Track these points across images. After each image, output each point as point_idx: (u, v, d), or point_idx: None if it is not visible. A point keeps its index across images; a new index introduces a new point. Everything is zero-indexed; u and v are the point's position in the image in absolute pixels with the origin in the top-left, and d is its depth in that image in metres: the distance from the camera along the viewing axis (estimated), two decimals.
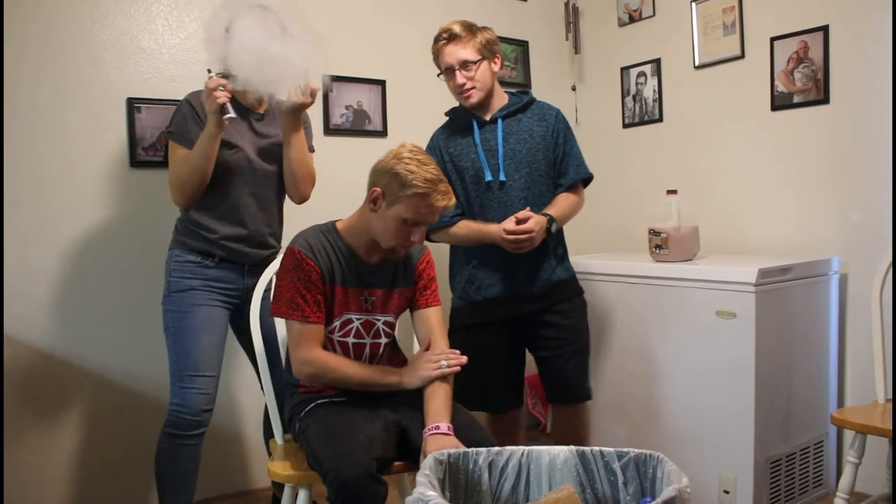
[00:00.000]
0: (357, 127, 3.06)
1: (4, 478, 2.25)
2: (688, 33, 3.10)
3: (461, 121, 2.33)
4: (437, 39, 2.26)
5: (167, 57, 2.64)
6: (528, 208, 2.16)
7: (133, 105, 2.55)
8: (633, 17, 3.38)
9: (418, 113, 3.21)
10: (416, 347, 2.14)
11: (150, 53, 2.60)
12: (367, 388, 1.83)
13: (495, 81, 2.30)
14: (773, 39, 2.78)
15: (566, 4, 3.62)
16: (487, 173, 2.23)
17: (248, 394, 2.74)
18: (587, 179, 2.37)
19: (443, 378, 1.82)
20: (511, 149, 2.24)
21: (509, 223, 2.14)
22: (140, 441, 2.44)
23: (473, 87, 2.23)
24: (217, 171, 2.08)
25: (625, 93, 3.43)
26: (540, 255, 2.25)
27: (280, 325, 2.08)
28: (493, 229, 2.17)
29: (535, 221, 2.14)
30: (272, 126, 2.22)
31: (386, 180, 1.76)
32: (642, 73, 3.34)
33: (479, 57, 2.22)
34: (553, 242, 2.28)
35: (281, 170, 2.22)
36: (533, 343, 2.33)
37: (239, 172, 2.14)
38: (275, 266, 2.10)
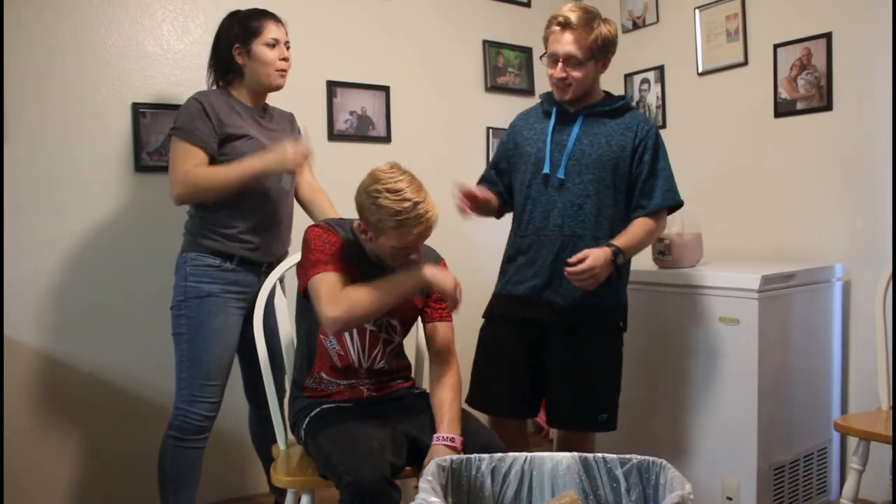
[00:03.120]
0: (361, 133, 3.07)
1: (4, 480, 2.25)
2: (691, 40, 3.11)
3: (546, 106, 2.20)
4: (550, 21, 2.07)
5: (172, 62, 2.65)
6: (583, 252, 1.97)
7: (138, 110, 2.56)
8: (636, 24, 3.39)
9: (422, 119, 3.23)
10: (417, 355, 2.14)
11: (155, 59, 2.61)
12: (399, 298, 1.78)
13: (597, 81, 2.16)
14: (776, 46, 2.79)
15: None
16: (547, 166, 2.10)
17: None
18: (674, 207, 2.15)
19: (454, 386, 1.82)
20: (581, 149, 2.09)
21: (462, 183, 2.06)
22: (141, 444, 2.45)
23: (570, 85, 2.07)
24: (232, 161, 2.07)
25: (629, 99, 3.43)
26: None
27: (283, 326, 2.09)
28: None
29: (596, 257, 1.94)
30: (274, 122, 2.25)
31: (364, 216, 1.75)
32: (646, 80, 3.35)
33: (588, 56, 2.04)
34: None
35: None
36: (545, 356, 2.17)
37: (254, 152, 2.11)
38: (281, 269, 2.10)
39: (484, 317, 2.26)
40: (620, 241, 2.03)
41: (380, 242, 1.75)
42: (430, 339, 1.93)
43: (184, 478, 2.11)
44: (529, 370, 2.17)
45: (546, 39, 2.10)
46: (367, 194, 1.71)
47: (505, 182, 2.29)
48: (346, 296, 1.70)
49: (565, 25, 2.02)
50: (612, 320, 2.17)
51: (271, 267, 2.16)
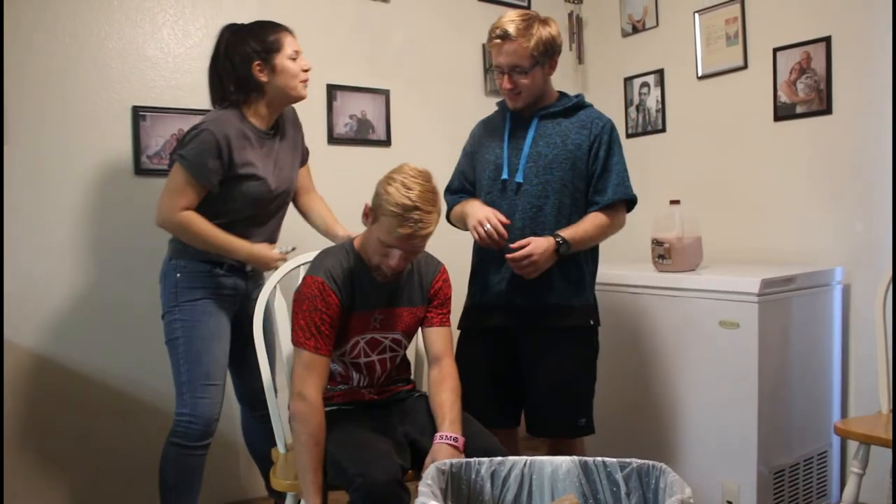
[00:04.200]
0: (361, 136, 3.07)
1: (4, 482, 2.25)
2: (691, 44, 3.11)
3: (502, 112, 2.21)
4: (490, 34, 2.06)
5: (172, 66, 2.65)
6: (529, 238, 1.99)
7: (138, 113, 2.56)
8: (636, 28, 3.39)
9: (422, 122, 3.23)
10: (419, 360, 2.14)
11: (155, 62, 2.62)
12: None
13: (548, 82, 2.14)
14: (775, 50, 2.79)
15: (570, 15, 3.63)
16: (505, 171, 2.10)
17: None
18: (630, 202, 2.15)
19: (454, 389, 1.83)
20: (538, 151, 2.08)
21: (492, 214, 2.01)
22: (142, 448, 2.44)
23: (520, 93, 2.08)
24: (234, 196, 2.06)
25: (628, 103, 3.44)
26: (548, 271, 2.05)
27: (282, 326, 2.09)
28: (476, 208, 2.06)
29: (536, 245, 1.96)
30: (283, 140, 2.20)
31: (374, 198, 1.77)
32: (645, 84, 3.35)
33: (532, 63, 2.03)
34: (570, 263, 2.09)
35: (288, 193, 2.23)
36: (519, 364, 2.16)
37: (258, 200, 2.11)
38: (279, 274, 2.10)
39: (458, 328, 2.25)
40: (567, 232, 2.02)
41: (372, 230, 1.77)
42: (428, 344, 1.94)
43: (186, 485, 2.09)
44: (506, 381, 2.17)
45: (489, 51, 2.10)
46: (387, 177, 1.75)
47: (470, 188, 2.28)
48: (313, 411, 1.72)
49: (504, 37, 2.01)
50: (581, 319, 2.15)
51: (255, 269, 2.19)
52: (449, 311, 1.97)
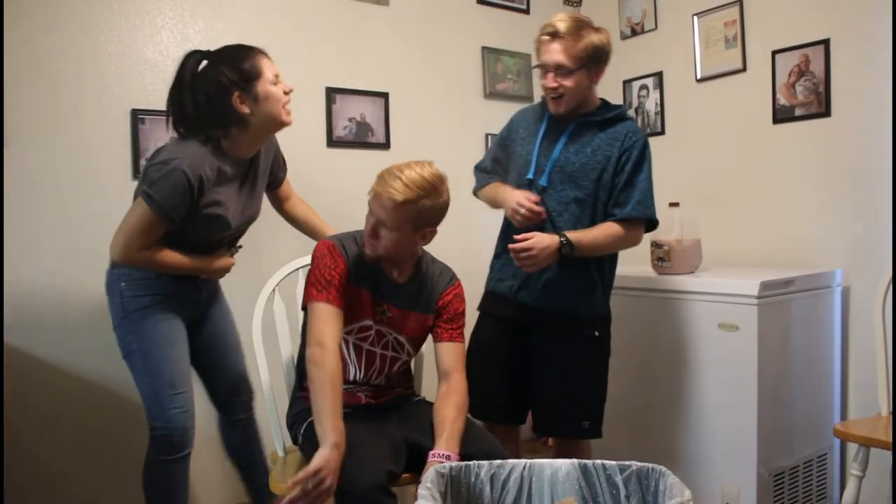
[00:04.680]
0: (360, 139, 3.07)
1: (4, 483, 2.25)
2: (690, 46, 3.12)
3: (542, 109, 2.20)
4: (541, 32, 2.06)
5: (172, 69, 2.59)
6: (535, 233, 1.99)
7: (137, 116, 2.56)
8: (635, 31, 3.39)
9: (421, 125, 3.24)
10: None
11: (154, 65, 2.62)
12: (315, 415, 1.71)
13: (591, 90, 2.14)
14: (774, 53, 2.79)
15: None
16: (531, 171, 2.10)
17: None
18: (649, 222, 2.12)
19: (459, 405, 1.81)
20: (566, 157, 2.08)
21: (523, 197, 2.03)
22: (142, 453, 2.42)
23: (562, 96, 2.06)
24: (189, 229, 1.93)
25: (627, 105, 3.44)
26: (556, 274, 2.08)
27: (282, 328, 2.09)
28: (507, 195, 2.07)
29: (539, 240, 1.96)
30: (258, 175, 2.09)
31: None
32: (644, 87, 3.35)
33: (578, 66, 2.02)
34: (580, 269, 2.08)
35: (249, 223, 2.15)
36: (529, 361, 2.18)
37: (212, 235, 2.02)
38: (278, 276, 2.10)
39: (478, 309, 2.28)
40: (574, 234, 2.01)
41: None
42: (438, 358, 1.92)
43: (174, 498, 2.04)
44: (510, 376, 2.18)
45: (537, 49, 2.09)
46: (412, 161, 1.80)
47: (503, 173, 2.30)
48: (325, 358, 1.71)
49: (554, 35, 2.02)
50: (589, 329, 2.15)
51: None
52: (461, 327, 1.95)
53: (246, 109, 1.89)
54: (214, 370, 2.21)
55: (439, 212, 1.81)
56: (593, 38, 2.03)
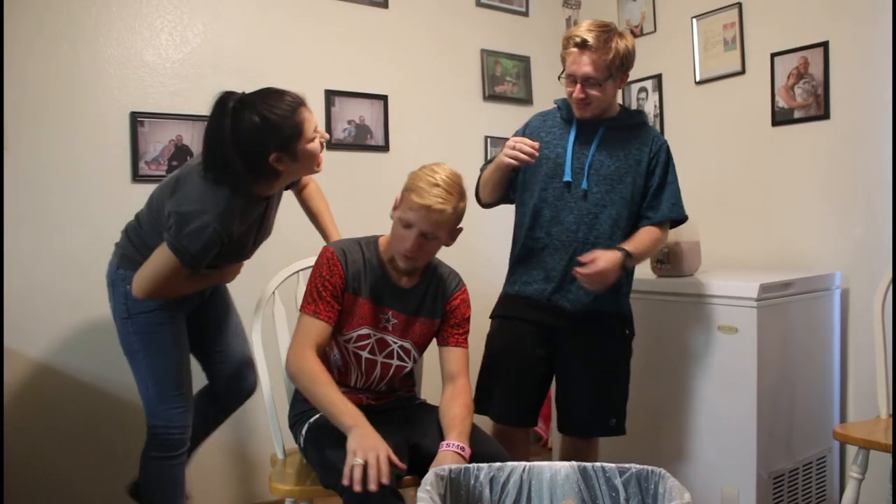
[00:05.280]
0: (359, 142, 3.07)
1: (4, 481, 2.24)
2: (689, 49, 3.12)
3: (566, 113, 2.19)
4: (567, 42, 2.05)
5: (171, 71, 2.65)
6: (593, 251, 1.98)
7: (136, 119, 2.56)
8: (634, 33, 3.40)
9: (420, 128, 3.24)
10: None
11: (153, 68, 2.62)
12: (323, 410, 1.75)
13: (615, 95, 2.15)
14: (773, 55, 2.80)
15: (567, 20, 3.64)
16: (568, 174, 2.10)
17: (250, 406, 2.73)
18: (678, 220, 2.20)
19: (466, 406, 1.81)
20: (600, 160, 2.11)
21: (514, 140, 2.02)
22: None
23: (590, 104, 2.07)
24: None
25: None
26: None
27: (281, 329, 2.09)
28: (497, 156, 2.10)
29: (607, 259, 1.95)
30: (275, 201, 2.08)
31: (404, 186, 1.82)
32: (643, 89, 3.36)
33: (607, 76, 2.02)
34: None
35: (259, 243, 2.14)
36: (554, 362, 2.18)
37: (231, 258, 2.07)
38: (279, 278, 2.10)
39: (491, 317, 2.26)
40: (630, 245, 2.04)
41: (396, 217, 1.81)
42: (444, 362, 1.93)
43: (173, 496, 2.06)
44: (536, 378, 2.18)
45: (564, 59, 2.08)
46: (423, 165, 1.81)
47: (512, 175, 2.26)
48: (310, 366, 1.73)
49: (583, 47, 2.00)
50: (619, 328, 2.20)
51: None
52: (467, 332, 1.95)
53: (282, 168, 1.84)
54: (216, 353, 2.22)
55: (464, 210, 1.86)
56: (620, 47, 2.02)
